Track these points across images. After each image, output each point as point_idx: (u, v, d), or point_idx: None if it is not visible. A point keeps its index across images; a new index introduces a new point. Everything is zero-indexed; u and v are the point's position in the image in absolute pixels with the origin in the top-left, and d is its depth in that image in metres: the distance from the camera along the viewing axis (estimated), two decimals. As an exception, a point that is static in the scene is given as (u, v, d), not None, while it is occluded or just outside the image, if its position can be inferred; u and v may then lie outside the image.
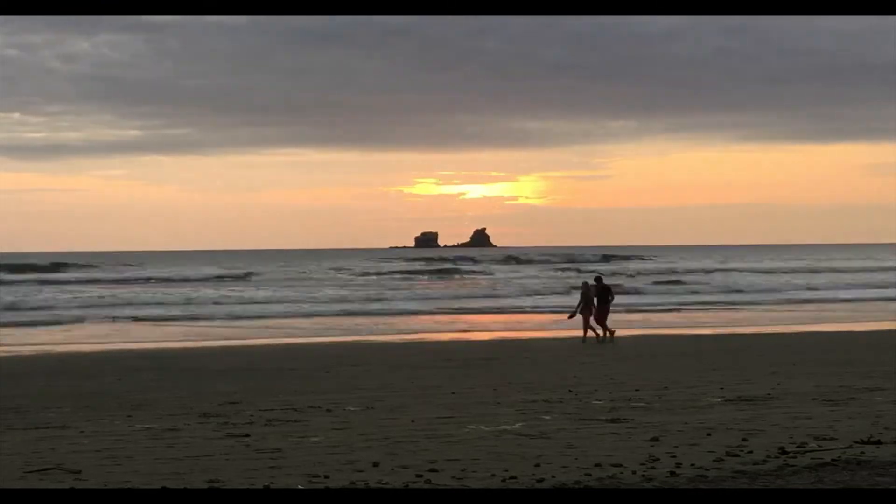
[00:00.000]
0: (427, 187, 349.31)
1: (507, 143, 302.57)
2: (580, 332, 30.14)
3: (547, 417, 14.51)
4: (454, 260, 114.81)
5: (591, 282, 31.29)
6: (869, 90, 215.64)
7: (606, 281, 32.10)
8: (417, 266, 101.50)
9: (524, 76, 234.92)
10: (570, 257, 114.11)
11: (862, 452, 11.44)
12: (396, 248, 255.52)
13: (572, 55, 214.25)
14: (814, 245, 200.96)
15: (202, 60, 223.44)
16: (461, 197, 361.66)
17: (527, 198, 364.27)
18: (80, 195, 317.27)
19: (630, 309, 44.06)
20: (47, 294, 60.72)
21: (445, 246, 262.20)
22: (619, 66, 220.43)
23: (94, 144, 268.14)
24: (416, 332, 36.72)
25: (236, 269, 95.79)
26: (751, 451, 11.54)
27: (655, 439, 12.45)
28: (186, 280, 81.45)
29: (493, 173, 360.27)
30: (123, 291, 64.70)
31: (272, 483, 10.20)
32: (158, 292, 64.05)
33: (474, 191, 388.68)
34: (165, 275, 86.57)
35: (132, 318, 48.14)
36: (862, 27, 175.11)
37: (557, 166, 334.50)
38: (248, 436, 13.13)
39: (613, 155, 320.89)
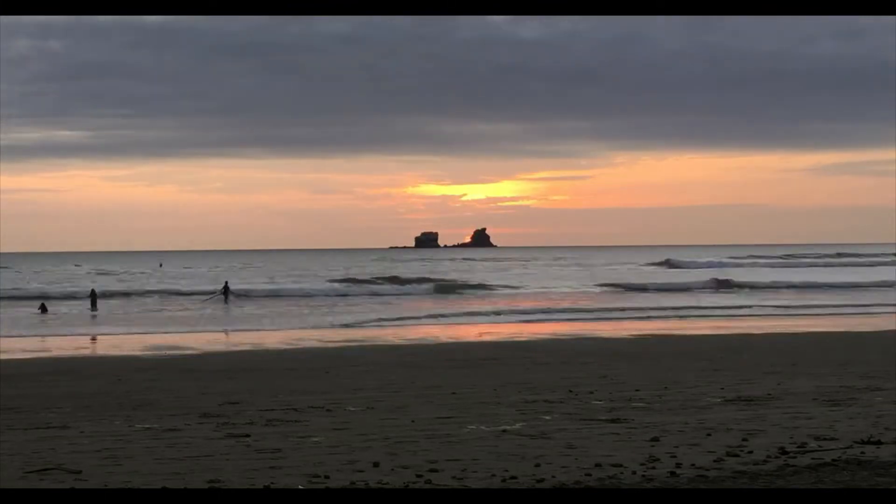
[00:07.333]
0: (427, 188, 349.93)
1: (492, 146, 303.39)
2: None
3: (547, 417, 14.50)
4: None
5: None
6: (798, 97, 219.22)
7: None
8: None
9: (483, 81, 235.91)
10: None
11: (862, 452, 11.44)
12: (397, 248, 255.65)
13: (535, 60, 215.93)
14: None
15: (176, 61, 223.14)
16: (463, 198, 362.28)
17: (527, 199, 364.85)
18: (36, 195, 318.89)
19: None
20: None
21: (445, 246, 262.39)
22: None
23: (47, 145, 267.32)
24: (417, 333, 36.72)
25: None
26: (751, 452, 11.53)
27: (655, 439, 12.44)
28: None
29: (485, 175, 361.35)
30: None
31: (272, 483, 10.20)
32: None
33: (473, 192, 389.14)
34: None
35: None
36: (824, 29, 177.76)
37: (544, 168, 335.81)
38: (248, 436, 13.13)
39: (598, 156, 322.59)
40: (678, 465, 10.83)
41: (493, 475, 10.45)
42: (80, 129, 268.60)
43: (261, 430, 13.61)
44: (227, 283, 63.36)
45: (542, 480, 10.21)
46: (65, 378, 21.57)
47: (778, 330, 35.84)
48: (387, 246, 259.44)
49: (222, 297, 59.72)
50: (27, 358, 27.89)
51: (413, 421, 14.22)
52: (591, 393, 17.27)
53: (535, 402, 16.09)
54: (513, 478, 10.33)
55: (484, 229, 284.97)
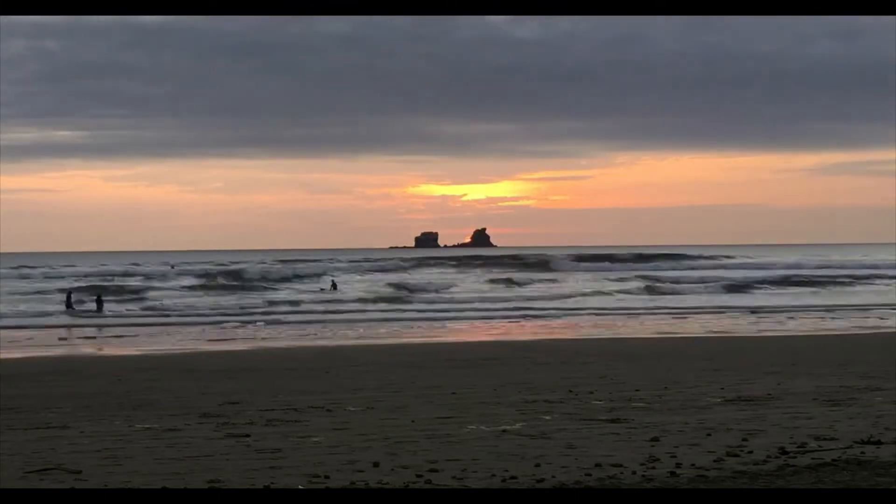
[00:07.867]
0: (427, 188, 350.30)
1: (492, 146, 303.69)
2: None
3: (547, 417, 14.49)
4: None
5: None
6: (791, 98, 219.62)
7: None
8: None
9: (483, 81, 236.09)
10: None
11: (862, 452, 11.44)
12: (397, 248, 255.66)
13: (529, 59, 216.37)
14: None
15: (175, 63, 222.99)
16: (463, 198, 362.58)
17: (527, 199, 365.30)
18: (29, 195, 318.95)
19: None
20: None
21: (445, 246, 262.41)
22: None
23: (46, 145, 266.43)
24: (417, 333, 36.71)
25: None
26: (751, 452, 11.53)
27: (655, 439, 12.44)
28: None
29: (485, 175, 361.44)
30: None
31: (272, 483, 10.20)
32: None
33: (473, 192, 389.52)
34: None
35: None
36: (816, 30, 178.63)
37: (544, 168, 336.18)
38: (248, 436, 13.13)
39: (594, 156, 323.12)
40: (678, 465, 10.82)
41: (493, 475, 10.45)
42: (79, 129, 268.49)
43: (261, 430, 13.61)
44: (333, 279, 71.19)
45: (542, 480, 10.21)
46: (65, 378, 21.57)
47: (778, 330, 35.85)
48: (387, 246, 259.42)
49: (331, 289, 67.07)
50: (27, 358, 27.90)
51: (413, 421, 14.22)
52: (591, 393, 17.27)
53: (535, 402, 16.09)
54: (513, 478, 10.33)
55: (484, 229, 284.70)
